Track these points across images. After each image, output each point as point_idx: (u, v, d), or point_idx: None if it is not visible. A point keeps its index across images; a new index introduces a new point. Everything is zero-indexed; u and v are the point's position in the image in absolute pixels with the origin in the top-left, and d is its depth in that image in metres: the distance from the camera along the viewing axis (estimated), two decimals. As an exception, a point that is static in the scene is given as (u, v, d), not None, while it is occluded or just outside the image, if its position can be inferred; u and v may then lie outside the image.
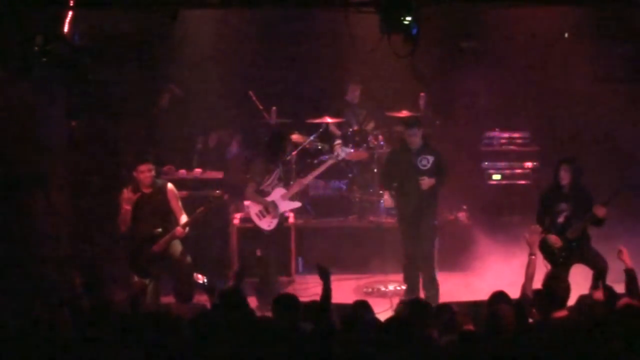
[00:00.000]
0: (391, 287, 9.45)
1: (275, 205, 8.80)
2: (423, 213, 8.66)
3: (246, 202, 9.14)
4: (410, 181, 8.64)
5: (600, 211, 7.89)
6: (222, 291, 6.44)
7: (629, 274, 6.76)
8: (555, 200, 8.18)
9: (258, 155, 9.29)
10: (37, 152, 8.80)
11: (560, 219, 8.12)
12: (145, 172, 8.35)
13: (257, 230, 8.89)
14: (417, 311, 5.83)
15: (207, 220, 8.81)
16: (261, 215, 8.83)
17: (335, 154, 9.55)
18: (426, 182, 8.55)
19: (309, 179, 9.12)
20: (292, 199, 9.01)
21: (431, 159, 8.64)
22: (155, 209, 8.45)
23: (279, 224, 8.93)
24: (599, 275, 7.75)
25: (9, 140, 8.62)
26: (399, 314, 6.14)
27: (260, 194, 8.85)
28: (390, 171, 8.98)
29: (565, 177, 8.13)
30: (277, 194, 8.85)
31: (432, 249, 8.75)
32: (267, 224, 8.83)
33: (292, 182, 9.50)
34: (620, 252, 7.08)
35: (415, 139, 8.66)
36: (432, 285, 8.71)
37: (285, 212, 9.08)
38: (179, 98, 11.13)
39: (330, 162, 9.46)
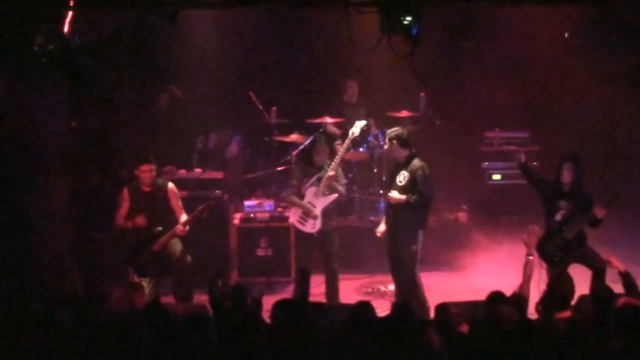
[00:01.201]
0: (391, 287, 9.40)
1: (312, 206, 8.72)
2: (398, 232, 8.26)
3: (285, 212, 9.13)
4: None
5: (600, 212, 7.82)
6: (221, 292, 6.44)
7: (625, 277, 6.70)
8: (555, 197, 8.07)
9: (299, 161, 9.20)
10: (37, 152, 8.80)
11: (558, 217, 8.04)
12: (147, 172, 8.44)
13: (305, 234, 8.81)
14: (401, 314, 5.78)
15: (207, 220, 8.80)
16: (303, 220, 8.75)
17: (351, 132, 9.31)
18: (392, 196, 8.20)
19: (334, 168, 8.96)
20: (325, 194, 8.79)
21: (407, 175, 8.23)
22: (155, 208, 8.49)
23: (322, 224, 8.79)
24: (598, 275, 7.73)
25: (9, 140, 8.63)
26: (387, 316, 6.11)
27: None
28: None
29: (567, 175, 8.00)
30: (309, 194, 8.76)
31: (413, 276, 8.26)
32: (311, 227, 8.74)
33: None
34: (609, 262, 7.08)
35: (391, 154, 8.46)
36: (422, 309, 8.08)
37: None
38: (178, 98, 11.14)
39: (347, 142, 9.06)
